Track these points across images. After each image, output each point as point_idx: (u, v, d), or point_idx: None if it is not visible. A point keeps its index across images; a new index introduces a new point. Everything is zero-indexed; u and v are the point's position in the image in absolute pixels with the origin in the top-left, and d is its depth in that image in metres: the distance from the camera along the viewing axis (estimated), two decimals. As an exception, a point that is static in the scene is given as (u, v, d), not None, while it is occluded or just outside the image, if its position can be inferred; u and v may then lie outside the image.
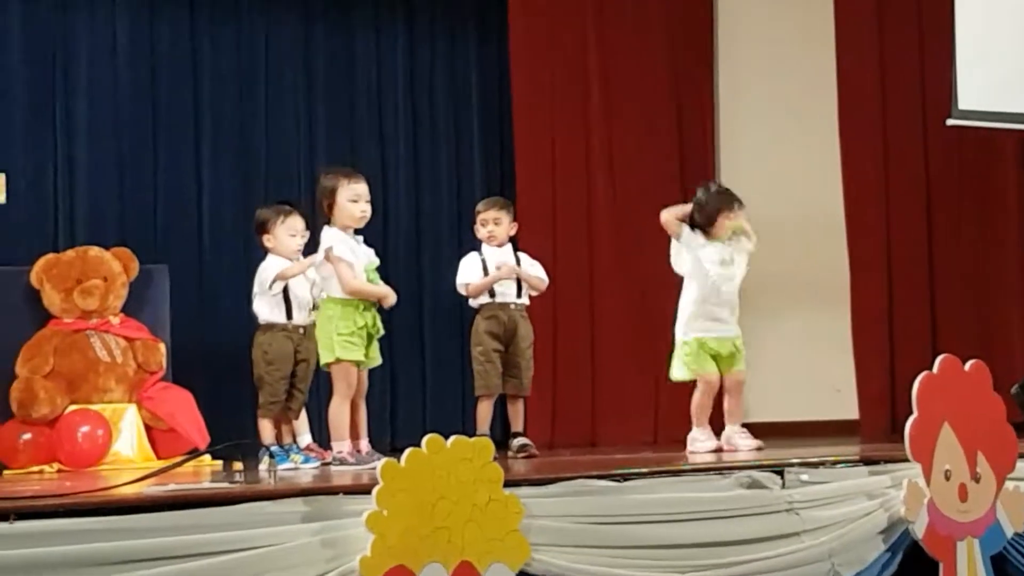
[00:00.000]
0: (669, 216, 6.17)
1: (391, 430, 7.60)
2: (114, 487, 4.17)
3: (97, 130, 7.23)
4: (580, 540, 4.07)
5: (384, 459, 3.80)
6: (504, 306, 6.08)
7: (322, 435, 5.99)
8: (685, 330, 6.08)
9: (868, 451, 5.47)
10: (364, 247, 5.61)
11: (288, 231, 6.10)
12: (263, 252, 6.14)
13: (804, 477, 4.60)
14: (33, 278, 6.52)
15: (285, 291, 6.00)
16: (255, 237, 6.22)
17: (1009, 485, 4.87)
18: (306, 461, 5.82)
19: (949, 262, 8.19)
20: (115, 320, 6.57)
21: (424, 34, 8.17)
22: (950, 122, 7.08)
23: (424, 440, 3.80)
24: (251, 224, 6.32)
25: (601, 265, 8.11)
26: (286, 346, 5.99)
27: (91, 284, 6.49)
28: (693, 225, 6.13)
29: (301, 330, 6.02)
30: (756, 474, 4.53)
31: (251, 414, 6.05)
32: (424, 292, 7.92)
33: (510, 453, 5.96)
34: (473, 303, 6.13)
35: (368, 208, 5.61)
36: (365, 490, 3.75)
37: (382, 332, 5.60)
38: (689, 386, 6.16)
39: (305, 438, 6.07)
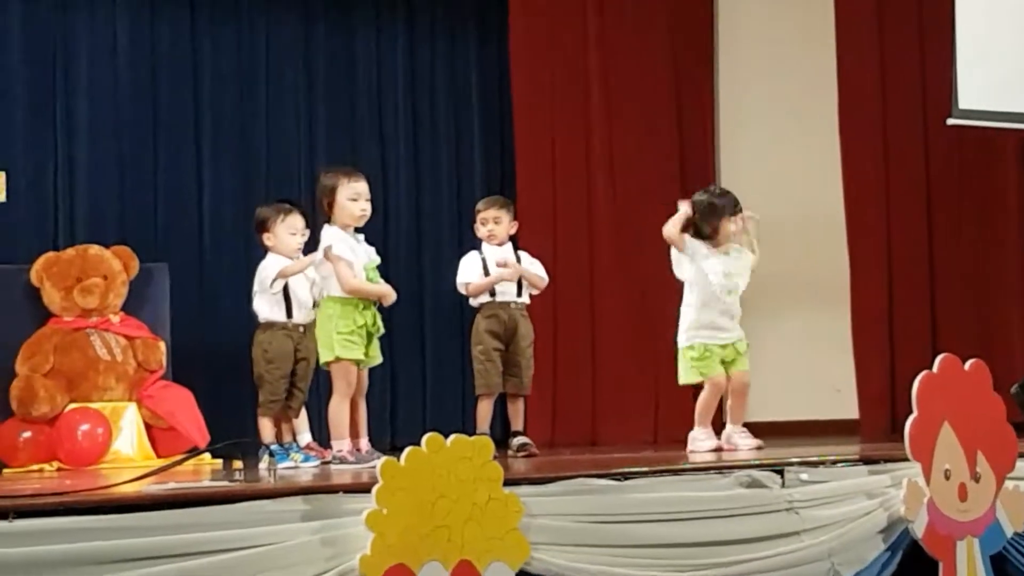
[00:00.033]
0: (672, 231, 6.04)
1: (391, 429, 7.60)
2: (114, 485, 4.17)
3: (97, 129, 7.23)
4: (580, 539, 4.07)
5: (384, 458, 3.80)
6: (504, 305, 6.08)
7: (322, 434, 5.99)
8: (687, 337, 6.04)
9: (868, 450, 5.46)
10: (365, 245, 5.61)
11: (288, 230, 6.09)
12: (263, 251, 6.13)
13: (804, 476, 4.60)
14: (33, 276, 6.52)
15: (285, 290, 5.99)
16: (255, 236, 6.22)
17: (1009, 485, 4.87)
18: (306, 460, 5.82)
19: (949, 262, 8.18)
20: (115, 318, 6.57)
21: (424, 34, 8.18)
22: (950, 122, 7.07)
23: (424, 439, 3.80)
24: (251, 223, 6.32)
25: (601, 265, 8.10)
26: (286, 345, 5.99)
27: (91, 282, 6.49)
28: (696, 233, 6.08)
29: (301, 329, 6.02)
30: (756, 473, 4.52)
31: (251, 413, 6.04)
32: (424, 291, 7.92)
33: (510, 452, 5.96)
34: (473, 302, 6.13)
35: (368, 207, 5.61)
36: (365, 489, 3.75)
37: (382, 331, 5.59)
38: (691, 386, 6.15)
39: (305, 437, 6.07)
